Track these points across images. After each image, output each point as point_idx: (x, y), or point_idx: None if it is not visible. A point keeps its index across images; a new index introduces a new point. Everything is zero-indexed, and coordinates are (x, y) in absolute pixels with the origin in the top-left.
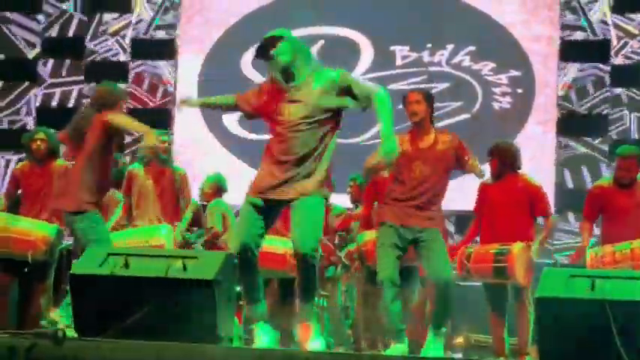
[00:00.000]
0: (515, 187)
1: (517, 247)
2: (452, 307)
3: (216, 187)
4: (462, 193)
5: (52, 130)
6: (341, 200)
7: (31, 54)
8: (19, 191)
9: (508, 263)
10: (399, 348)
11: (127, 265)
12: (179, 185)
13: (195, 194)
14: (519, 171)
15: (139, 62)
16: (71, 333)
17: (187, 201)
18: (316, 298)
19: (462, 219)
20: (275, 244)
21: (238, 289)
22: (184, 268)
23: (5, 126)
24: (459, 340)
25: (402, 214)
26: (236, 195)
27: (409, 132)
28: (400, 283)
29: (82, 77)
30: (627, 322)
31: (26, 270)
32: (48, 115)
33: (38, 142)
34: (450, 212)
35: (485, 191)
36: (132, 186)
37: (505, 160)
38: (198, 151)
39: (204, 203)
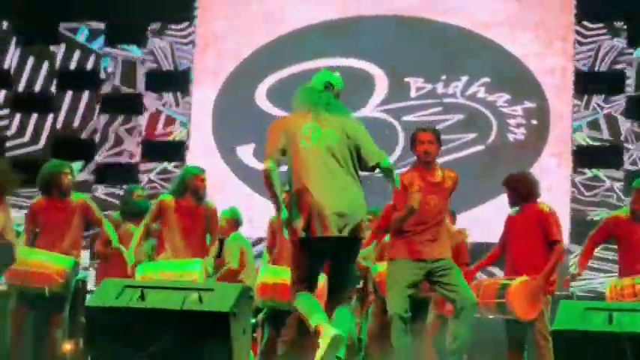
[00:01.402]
0: (529, 216)
1: (517, 281)
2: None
3: (233, 221)
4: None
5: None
6: None
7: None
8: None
9: (506, 298)
10: None
11: (143, 298)
12: (209, 221)
13: None
14: (539, 200)
15: (154, 93)
16: None
17: (214, 237)
18: None
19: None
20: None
21: (253, 321)
22: (200, 300)
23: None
24: None
25: (416, 247)
26: (251, 228)
27: (415, 169)
28: (413, 316)
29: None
30: None
31: (43, 303)
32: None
33: (69, 177)
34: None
35: (506, 222)
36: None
37: (516, 190)
38: (213, 183)
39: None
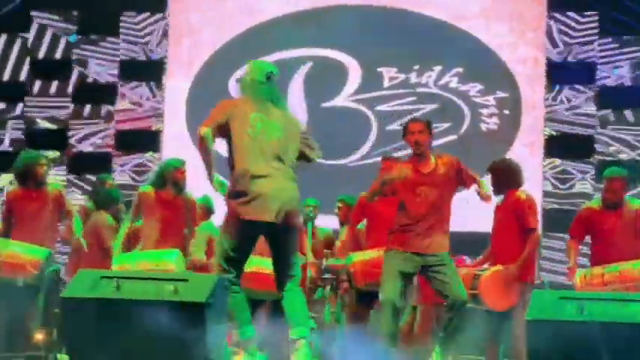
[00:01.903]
0: (508, 204)
1: (489, 271)
2: (463, 328)
3: (205, 209)
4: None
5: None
6: (329, 220)
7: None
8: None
9: (478, 289)
10: None
11: (118, 288)
12: (189, 212)
13: None
14: (520, 188)
15: (128, 83)
16: (63, 357)
17: (193, 228)
18: None
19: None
20: (265, 265)
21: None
22: (176, 291)
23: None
24: None
25: (409, 241)
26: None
27: (409, 160)
28: None
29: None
30: (617, 345)
31: (16, 293)
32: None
33: (44, 167)
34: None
35: (494, 212)
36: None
37: (498, 178)
38: (187, 173)
39: None
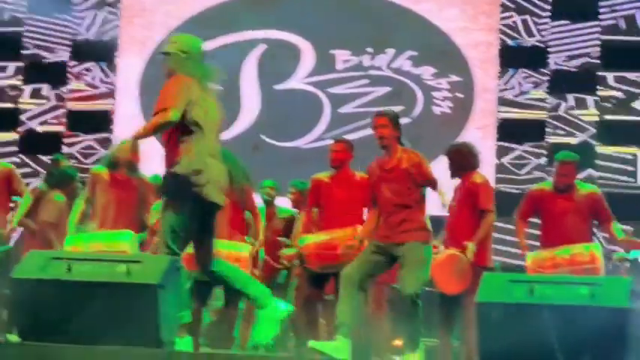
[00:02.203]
0: (463, 187)
1: (442, 254)
2: (416, 322)
3: (156, 188)
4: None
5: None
6: (283, 203)
7: None
8: None
9: (431, 272)
10: (335, 344)
11: (69, 270)
12: (143, 193)
13: None
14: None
15: (79, 63)
16: (13, 338)
17: (149, 208)
18: None
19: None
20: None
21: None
22: (128, 272)
23: None
24: (398, 342)
25: (382, 232)
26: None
27: (381, 156)
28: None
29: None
30: (565, 327)
31: None
32: None
33: None
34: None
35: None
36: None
37: (454, 161)
38: (140, 152)
39: None
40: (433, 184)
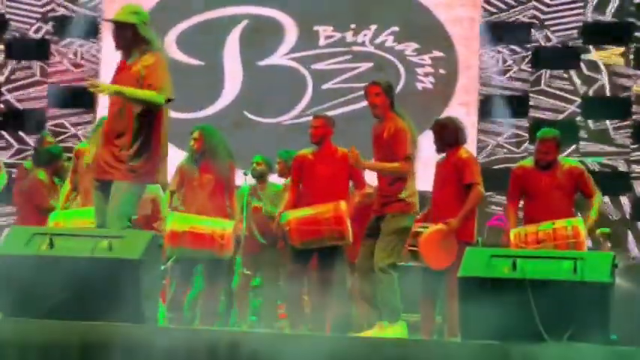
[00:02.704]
0: (449, 162)
1: (430, 229)
2: (386, 293)
3: None
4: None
5: None
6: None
7: None
8: None
9: (418, 247)
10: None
11: (52, 245)
12: None
13: None
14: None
15: (62, 40)
16: None
17: None
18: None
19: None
20: (202, 224)
21: (163, 267)
22: (110, 247)
23: None
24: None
25: (373, 207)
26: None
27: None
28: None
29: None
30: (547, 302)
31: None
32: None
33: None
34: None
35: (435, 169)
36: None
37: (440, 136)
38: None
39: None
40: (400, 156)
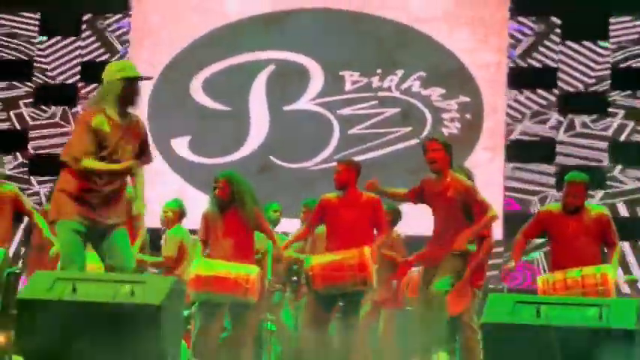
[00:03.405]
0: None
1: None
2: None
3: (179, 212)
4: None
5: None
6: (292, 225)
7: None
8: None
9: None
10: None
11: (74, 290)
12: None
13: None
14: None
15: (89, 85)
16: (18, 358)
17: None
18: (265, 323)
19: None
20: (227, 269)
21: (186, 313)
22: (132, 293)
23: None
24: None
25: (429, 257)
26: (186, 219)
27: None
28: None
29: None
30: (572, 348)
31: None
32: None
33: None
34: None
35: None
36: None
37: None
38: (148, 174)
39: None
40: (483, 209)
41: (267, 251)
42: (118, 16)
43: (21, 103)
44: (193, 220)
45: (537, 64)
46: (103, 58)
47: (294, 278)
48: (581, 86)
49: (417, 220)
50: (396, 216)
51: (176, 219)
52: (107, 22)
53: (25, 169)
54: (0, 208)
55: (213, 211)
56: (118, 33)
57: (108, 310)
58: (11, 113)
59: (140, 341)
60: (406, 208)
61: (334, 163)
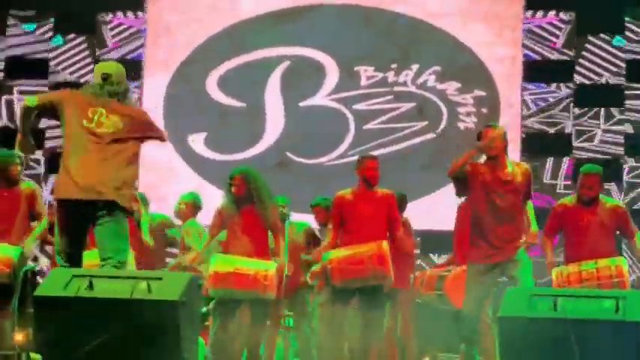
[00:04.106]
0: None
1: (454, 271)
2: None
3: (194, 205)
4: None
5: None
6: (308, 221)
7: None
8: None
9: (444, 290)
10: None
11: (91, 287)
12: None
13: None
14: None
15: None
16: (35, 356)
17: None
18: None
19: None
20: (246, 265)
21: (204, 309)
22: (149, 289)
23: None
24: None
25: (487, 251)
26: (203, 216)
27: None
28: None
29: None
30: (589, 341)
31: None
32: None
33: (18, 167)
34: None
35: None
36: None
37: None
38: (165, 171)
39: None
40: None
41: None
42: (134, 14)
43: None
44: (209, 216)
45: (553, 57)
46: (119, 56)
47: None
48: (597, 79)
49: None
50: (401, 202)
51: (189, 212)
52: (122, 21)
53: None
54: (17, 205)
55: (229, 207)
56: (131, 31)
57: (125, 306)
58: None
59: (157, 338)
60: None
61: (350, 159)
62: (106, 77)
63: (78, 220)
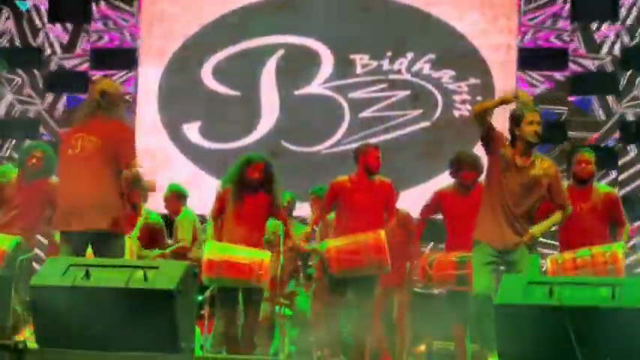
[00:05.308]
0: (476, 194)
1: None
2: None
3: (176, 196)
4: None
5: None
6: (303, 209)
7: None
8: None
9: (469, 270)
10: None
11: (87, 276)
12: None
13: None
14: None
15: (100, 72)
16: (33, 344)
17: None
18: (278, 307)
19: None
20: (240, 254)
21: (200, 298)
22: (145, 278)
23: None
24: (421, 347)
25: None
26: (198, 204)
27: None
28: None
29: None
30: (585, 328)
31: None
32: None
33: (33, 160)
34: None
35: (451, 200)
36: None
37: (481, 172)
38: (160, 160)
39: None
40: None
41: (281, 235)
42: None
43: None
44: (204, 205)
45: (548, 45)
46: (114, 44)
47: (309, 263)
48: (591, 66)
49: None
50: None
51: (177, 200)
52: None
53: None
54: (33, 197)
55: (233, 193)
56: (125, 19)
57: (121, 295)
58: None
59: (153, 326)
60: None
61: (345, 147)
62: (104, 95)
63: None
